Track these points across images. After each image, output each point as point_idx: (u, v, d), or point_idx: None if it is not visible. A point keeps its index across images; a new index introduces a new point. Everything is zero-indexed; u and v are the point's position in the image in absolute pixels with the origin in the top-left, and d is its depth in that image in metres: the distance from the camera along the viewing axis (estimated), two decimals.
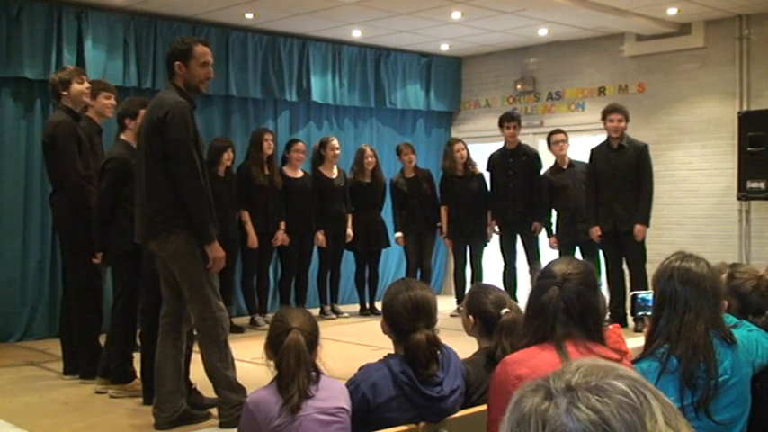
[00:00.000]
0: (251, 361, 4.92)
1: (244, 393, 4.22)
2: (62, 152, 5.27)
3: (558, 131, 7.76)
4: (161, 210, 4.20)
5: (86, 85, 5.50)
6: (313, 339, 2.62)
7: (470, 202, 8.13)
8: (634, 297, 3.15)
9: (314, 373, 2.58)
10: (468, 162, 8.23)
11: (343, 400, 2.57)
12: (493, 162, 8.18)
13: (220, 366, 4.27)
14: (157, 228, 4.21)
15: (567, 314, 2.27)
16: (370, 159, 8.25)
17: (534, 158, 8.07)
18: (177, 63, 4.30)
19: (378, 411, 2.60)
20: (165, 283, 4.39)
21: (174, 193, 4.17)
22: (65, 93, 5.42)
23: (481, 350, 2.99)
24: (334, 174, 8.10)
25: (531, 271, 7.74)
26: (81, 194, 5.26)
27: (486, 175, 8.28)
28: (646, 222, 7.03)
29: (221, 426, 4.32)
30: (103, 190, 5.07)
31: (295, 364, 2.51)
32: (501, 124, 8.03)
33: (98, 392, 5.09)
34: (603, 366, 0.93)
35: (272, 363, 2.61)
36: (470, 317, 2.98)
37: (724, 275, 2.96)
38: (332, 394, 2.56)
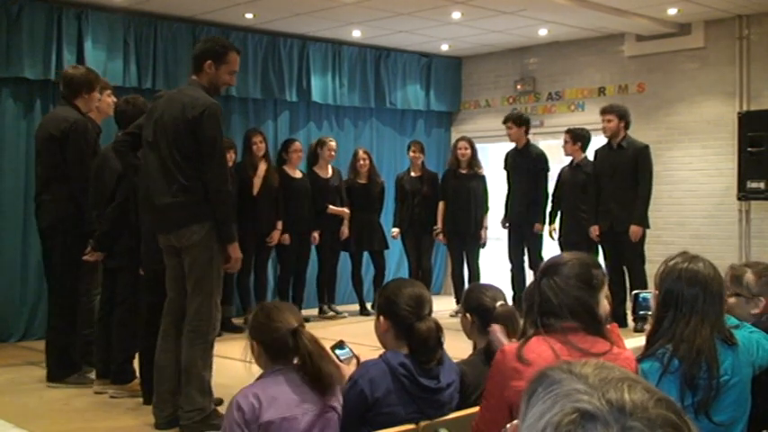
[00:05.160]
0: (252, 361, 4.91)
1: (211, 400, 4.22)
2: (77, 151, 5.21)
3: (564, 131, 7.78)
4: (187, 205, 4.20)
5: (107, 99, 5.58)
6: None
7: (466, 201, 8.15)
8: (636, 296, 3.14)
9: None
10: (474, 162, 8.25)
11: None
12: (506, 161, 8.25)
13: (200, 365, 4.23)
14: (182, 221, 4.20)
15: (545, 307, 2.27)
16: (362, 162, 8.30)
17: (537, 159, 8.01)
18: (209, 62, 4.32)
19: (376, 406, 2.62)
20: (173, 280, 4.37)
21: (201, 190, 4.19)
22: (85, 95, 5.37)
23: (479, 350, 2.99)
24: (329, 173, 8.14)
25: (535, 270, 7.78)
26: (87, 196, 5.23)
27: (502, 175, 8.32)
28: (641, 223, 7.03)
29: (181, 429, 4.24)
30: (126, 192, 4.98)
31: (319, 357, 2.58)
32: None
33: (98, 392, 5.08)
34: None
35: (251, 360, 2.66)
36: (468, 315, 2.99)
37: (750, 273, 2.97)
38: None
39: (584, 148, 7.64)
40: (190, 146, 4.19)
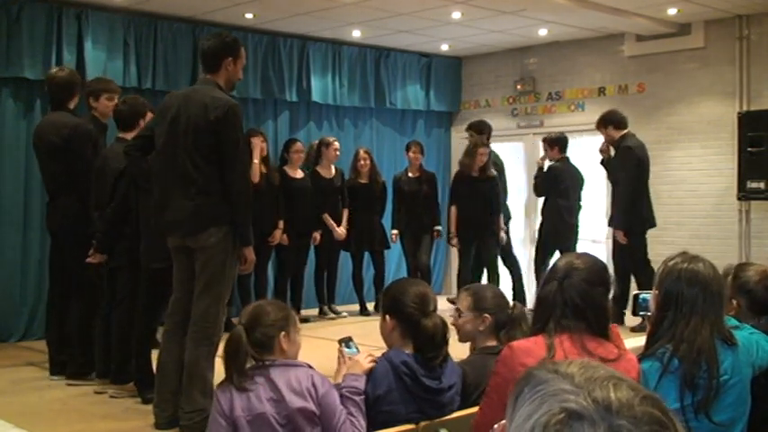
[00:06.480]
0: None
1: (212, 401, 4.21)
2: (80, 155, 5.21)
3: (542, 140, 8.03)
4: (206, 208, 4.16)
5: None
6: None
7: (480, 203, 8.08)
8: (636, 297, 3.15)
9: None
10: (486, 166, 8.14)
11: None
12: None
13: (203, 366, 4.20)
14: (201, 225, 4.16)
15: (565, 309, 2.29)
16: (362, 162, 8.27)
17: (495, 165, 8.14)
18: (229, 59, 4.27)
19: (378, 404, 2.65)
20: (180, 281, 4.34)
21: (219, 192, 4.15)
22: (75, 98, 5.37)
23: (483, 349, 3.00)
24: (332, 173, 8.13)
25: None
26: (90, 198, 5.23)
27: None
28: (618, 226, 6.97)
29: (181, 429, 4.22)
30: (123, 193, 4.99)
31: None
32: None
33: (98, 392, 5.08)
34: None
35: None
36: (486, 315, 2.99)
37: (730, 277, 3.00)
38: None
39: (562, 150, 7.78)
40: (211, 147, 4.13)
